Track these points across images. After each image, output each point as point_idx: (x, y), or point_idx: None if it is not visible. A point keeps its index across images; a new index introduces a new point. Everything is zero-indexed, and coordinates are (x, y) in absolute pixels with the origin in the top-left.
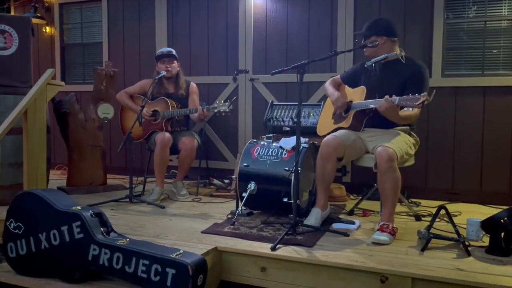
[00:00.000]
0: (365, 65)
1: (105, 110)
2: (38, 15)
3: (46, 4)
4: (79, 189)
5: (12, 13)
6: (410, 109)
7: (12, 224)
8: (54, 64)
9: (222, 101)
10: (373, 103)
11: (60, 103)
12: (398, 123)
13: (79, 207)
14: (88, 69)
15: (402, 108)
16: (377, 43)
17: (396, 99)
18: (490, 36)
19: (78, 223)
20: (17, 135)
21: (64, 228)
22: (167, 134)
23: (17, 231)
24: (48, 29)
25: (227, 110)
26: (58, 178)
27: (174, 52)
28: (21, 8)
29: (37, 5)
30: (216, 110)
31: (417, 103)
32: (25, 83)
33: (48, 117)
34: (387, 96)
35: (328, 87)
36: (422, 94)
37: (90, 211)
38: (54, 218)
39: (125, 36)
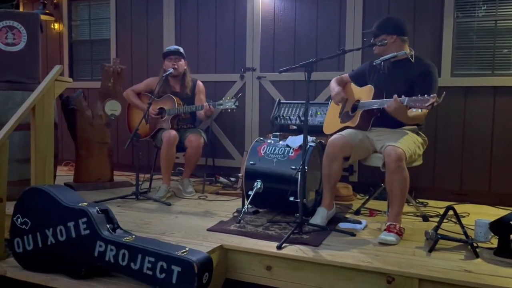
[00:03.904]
0: (374, 63)
1: (113, 107)
2: (47, 11)
3: (55, 1)
4: (86, 185)
5: (21, 9)
6: (419, 110)
7: (19, 220)
8: (62, 60)
9: (228, 98)
10: (381, 103)
11: (68, 99)
12: (406, 123)
13: (85, 204)
14: (96, 66)
15: (410, 108)
16: (386, 41)
17: (405, 99)
18: (501, 36)
19: (85, 219)
20: (24, 131)
21: (71, 224)
22: (174, 132)
23: (24, 226)
24: (56, 25)
25: (233, 106)
26: (65, 174)
27: (181, 50)
28: (30, 5)
29: (45, 2)
30: (222, 107)
31: (426, 104)
32: (33, 79)
33: (56, 114)
34: (395, 96)
35: (332, 83)
36: (431, 95)
37: (97, 207)
38: (61, 214)
39: (133, 33)
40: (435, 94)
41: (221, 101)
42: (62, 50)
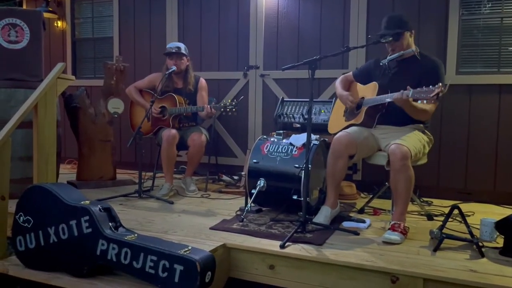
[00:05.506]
0: (380, 64)
1: (115, 105)
2: (50, 9)
3: None
4: (89, 183)
5: (24, 7)
6: (425, 101)
7: (21, 218)
8: (65, 58)
9: (229, 100)
10: (386, 97)
11: (71, 97)
12: (414, 117)
13: (88, 202)
14: (98, 64)
15: (416, 100)
16: (391, 38)
17: (410, 91)
18: (507, 33)
19: (87, 217)
20: (27, 129)
21: (73, 223)
22: (173, 131)
23: (26, 224)
24: (59, 23)
25: (234, 109)
26: (68, 172)
27: (182, 48)
28: (33, 2)
29: (49, 0)
30: (222, 109)
31: (431, 95)
32: (35, 77)
33: (59, 111)
34: (401, 91)
35: (337, 86)
36: (436, 85)
37: (99, 205)
38: (63, 212)
39: (135, 31)
40: (440, 84)
41: (221, 104)
42: (65, 48)
